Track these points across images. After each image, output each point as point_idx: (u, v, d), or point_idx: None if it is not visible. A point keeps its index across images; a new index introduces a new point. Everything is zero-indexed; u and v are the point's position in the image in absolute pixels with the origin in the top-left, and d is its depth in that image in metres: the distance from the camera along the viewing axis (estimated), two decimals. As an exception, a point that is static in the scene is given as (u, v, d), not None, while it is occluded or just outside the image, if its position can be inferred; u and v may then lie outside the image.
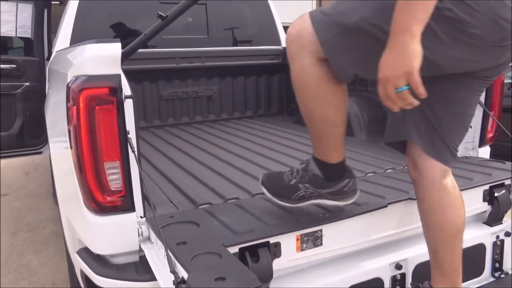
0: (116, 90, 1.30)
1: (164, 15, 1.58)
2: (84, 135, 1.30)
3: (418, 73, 1.02)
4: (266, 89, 3.63)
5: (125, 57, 1.45)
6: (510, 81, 4.79)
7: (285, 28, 2.51)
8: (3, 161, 3.67)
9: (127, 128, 1.34)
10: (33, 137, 3.55)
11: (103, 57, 1.29)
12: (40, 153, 3.67)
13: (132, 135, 1.36)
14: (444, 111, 1.34)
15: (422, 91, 1.04)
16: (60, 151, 1.70)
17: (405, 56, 1.03)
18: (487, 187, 1.73)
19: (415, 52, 1.03)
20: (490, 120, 2.11)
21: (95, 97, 1.29)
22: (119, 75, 1.30)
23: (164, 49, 3.20)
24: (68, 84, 1.35)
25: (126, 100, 1.34)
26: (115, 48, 1.28)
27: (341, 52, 1.24)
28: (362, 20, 1.17)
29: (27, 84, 3.51)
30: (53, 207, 3.26)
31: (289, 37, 1.32)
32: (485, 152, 2.16)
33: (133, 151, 1.33)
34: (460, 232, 1.39)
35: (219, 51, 3.38)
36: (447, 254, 1.38)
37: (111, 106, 1.31)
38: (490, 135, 2.14)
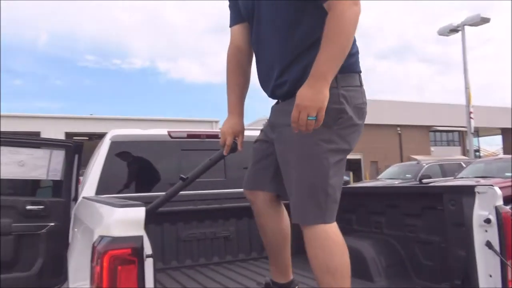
0: (138, 251, 1.38)
1: (185, 177, 1.73)
2: (105, 295, 1.34)
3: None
4: None
5: (148, 217, 1.56)
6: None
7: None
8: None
9: (146, 286, 1.38)
10: (51, 277, 3.55)
11: (128, 221, 1.39)
12: (59, 292, 3.63)
13: None
14: None
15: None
16: None
17: (321, 96, 1.50)
18: None
19: (327, 95, 1.53)
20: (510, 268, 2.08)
21: (118, 257, 1.37)
22: (142, 237, 1.39)
23: (184, 192, 3.36)
24: (94, 244, 1.44)
25: (147, 259, 1.41)
26: (139, 212, 1.40)
27: None
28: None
29: (52, 224, 3.64)
30: None
31: None
32: (509, 303, 2.09)
33: None
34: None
35: (237, 193, 3.52)
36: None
37: (133, 266, 1.37)
38: (512, 284, 2.09)
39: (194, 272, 3.16)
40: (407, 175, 12.95)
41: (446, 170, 13.10)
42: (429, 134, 43.45)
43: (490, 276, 2.08)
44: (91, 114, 28.81)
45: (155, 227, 3.25)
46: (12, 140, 3.53)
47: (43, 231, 3.60)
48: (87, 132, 26.22)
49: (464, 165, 12.38)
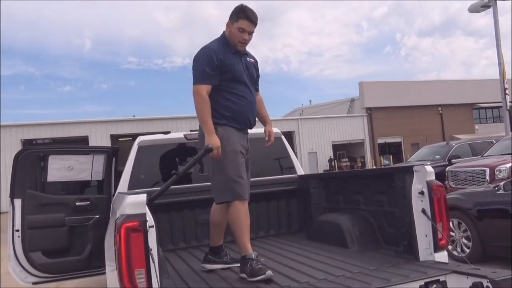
0: (143, 223, 2.06)
1: (177, 172, 2.41)
2: (123, 253, 2.04)
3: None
4: (285, 211, 4.30)
5: (151, 202, 2.24)
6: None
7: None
8: (75, 281, 4.45)
9: (150, 247, 2.07)
10: (98, 260, 4.35)
11: (134, 203, 2.09)
12: (104, 273, 4.44)
13: (154, 252, 2.09)
14: None
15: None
16: (110, 274, 2.44)
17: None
18: (422, 282, 2.22)
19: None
20: (441, 229, 2.63)
21: (129, 228, 2.06)
22: (145, 213, 2.08)
23: (199, 184, 4.06)
24: (116, 220, 2.14)
25: (150, 228, 2.10)
26: (142, 198, 2.09)
27: None
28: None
29: (97, 216, 4.44)
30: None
31: None
32: (442, 256, 2.63)
33: (153, 262, 2.04)
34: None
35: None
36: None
37: (140, 233, 2.06)
38: (443, 241, 2.64)
39: None
40: (436, 156, 13.12)
41: (476, 149, 13.14)
42: (472, 112, 42.28)
43: (426, 236, 2.64)
44: (133, 116, 30.35)
45: (176, 213, 3.97)
46: (62, 149, 4.34)
47: (90, 222, 4.41)
48: (130, 133, 27.74)
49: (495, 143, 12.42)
